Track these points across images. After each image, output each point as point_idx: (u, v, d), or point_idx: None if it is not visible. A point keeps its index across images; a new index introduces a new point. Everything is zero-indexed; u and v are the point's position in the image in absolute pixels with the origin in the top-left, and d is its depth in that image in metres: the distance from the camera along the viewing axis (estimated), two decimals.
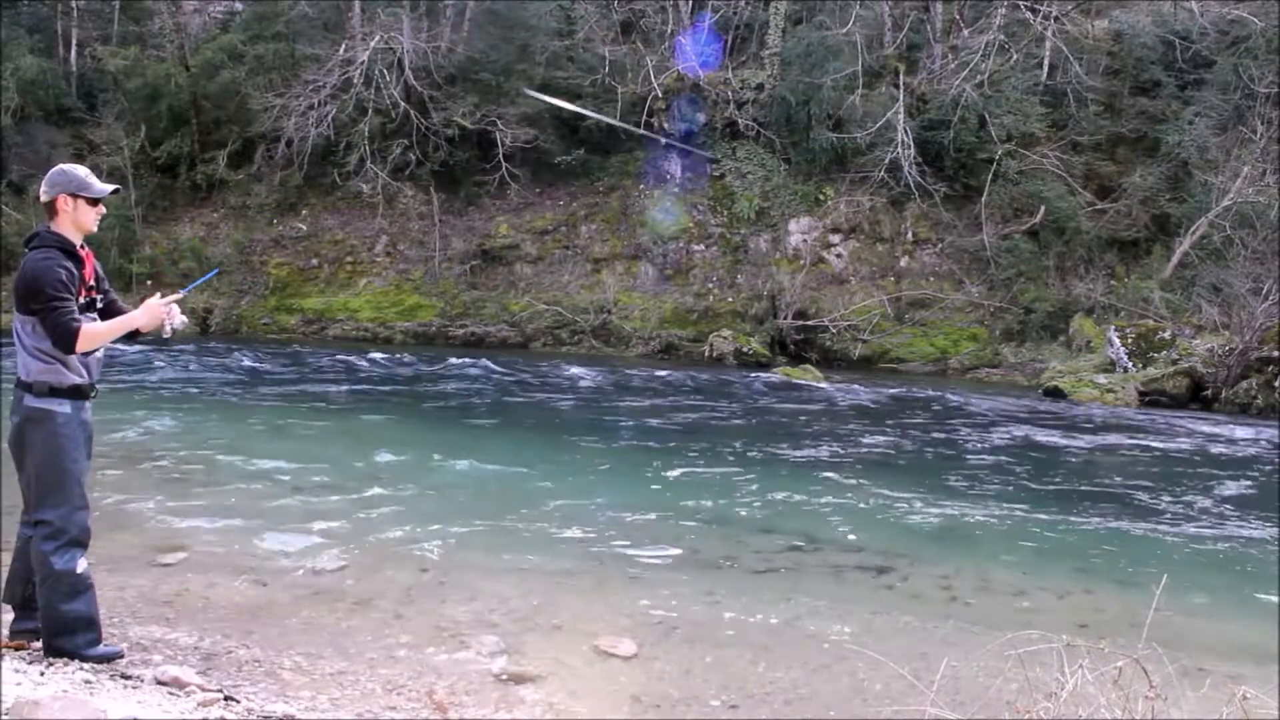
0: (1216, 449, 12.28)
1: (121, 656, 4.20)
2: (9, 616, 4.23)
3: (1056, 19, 22.52)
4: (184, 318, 4.15)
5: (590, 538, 6.95)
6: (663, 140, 23.75)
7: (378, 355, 19.17)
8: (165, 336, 4.13)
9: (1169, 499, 9.37)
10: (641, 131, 22.82)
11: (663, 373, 18.05)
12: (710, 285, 22.64)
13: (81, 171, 4.12)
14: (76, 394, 4.03)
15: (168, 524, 6.73)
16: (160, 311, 4.03)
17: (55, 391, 3.98)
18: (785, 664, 4.83)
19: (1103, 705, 3.19)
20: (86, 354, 4.07)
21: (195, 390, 13.84)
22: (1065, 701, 3.23)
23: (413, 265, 23.61)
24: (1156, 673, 3.26)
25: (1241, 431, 13.66)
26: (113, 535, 6.11)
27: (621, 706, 4.27)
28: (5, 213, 22.20)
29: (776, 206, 23.09)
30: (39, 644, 4.07)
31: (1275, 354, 16.00)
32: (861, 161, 22.30)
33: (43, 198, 4.06)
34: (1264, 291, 16.86)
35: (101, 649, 4.11)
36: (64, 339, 3.87)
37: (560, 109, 22.32)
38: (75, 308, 3.92)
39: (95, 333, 3.96)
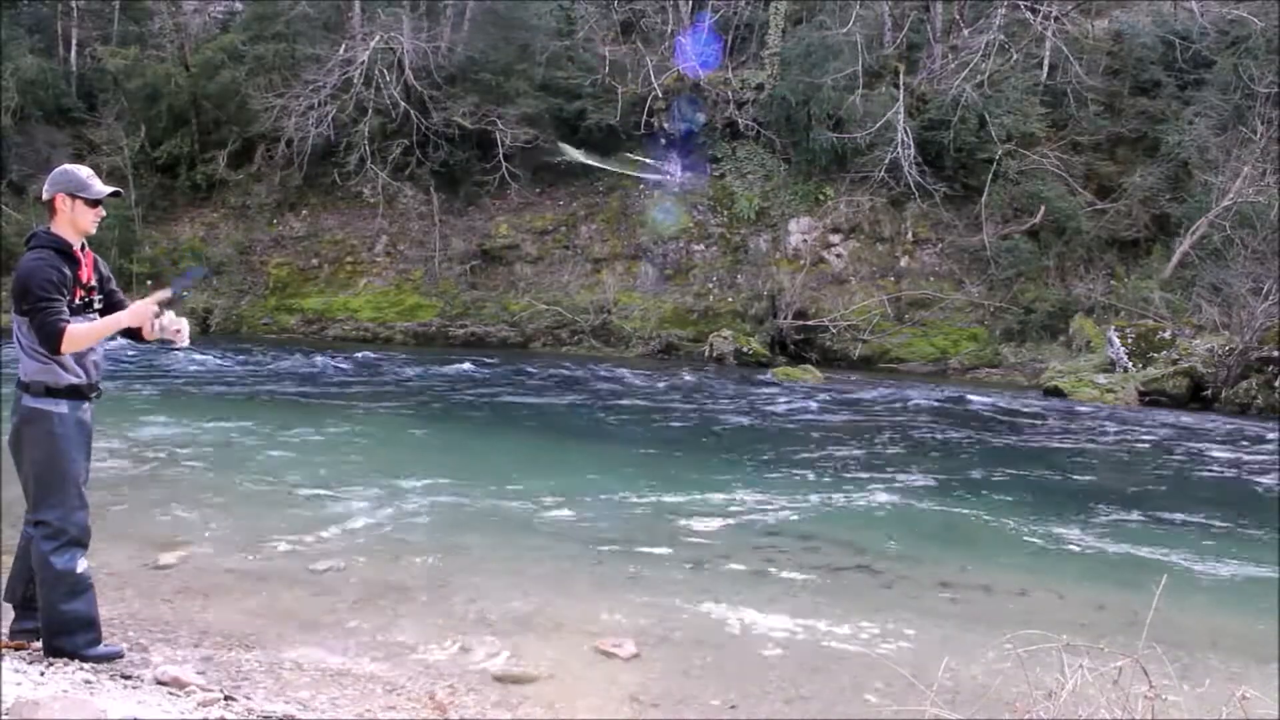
0: (1216, 449, 12.27)
1: (121, 656, 4.20)
2: (9, 616, 4.23)
3: (1056, 19, 22.50)
4: (184, 323, 4.12)
5: (590, 538, 6.95)
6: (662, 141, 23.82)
7: (375, 355, 19.19)
8: (154, 336, 4.09)
9: (1169, 499, 9.36)
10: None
11: (662, 373, 18.05)
12: (710, 285, 22.63)
13: (83, 173, 4.11)
14: (74, 394, 4.02)
15: (168, 524, 6.74)
16: (147, 311, 4.01)
17: (52, 392, 3.98)
18: (785, 664, 4.82)
19: (1103, 705, 3.20)
20: (91, 355, 4.07)
21: (194, 390, 13.84)
22: (1065, 701, 3.23)
23: (413, 265, 23.61)
24: (1156, 673, 3.26)
25: (1241, 431, 13.65)
26: (113, 535, 6.11)
27: (621, 707, 4.27)
28: (5, 213, 22.20)
29: (776, 206, 23.08)
30: (39, 644, 4.08)
31: (1275, 354, 15.99)
32: (861, 161, 22.28)
33: (43, 196, 4.07)
34: (1264, 291, 16.84)
35: (101, 649, 4.11)
36: (49, 339, 3.87)
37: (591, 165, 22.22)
38: (63, 309, 3.90)
39: (80, 334, 3.93)
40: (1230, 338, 16.86)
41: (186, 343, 4.19)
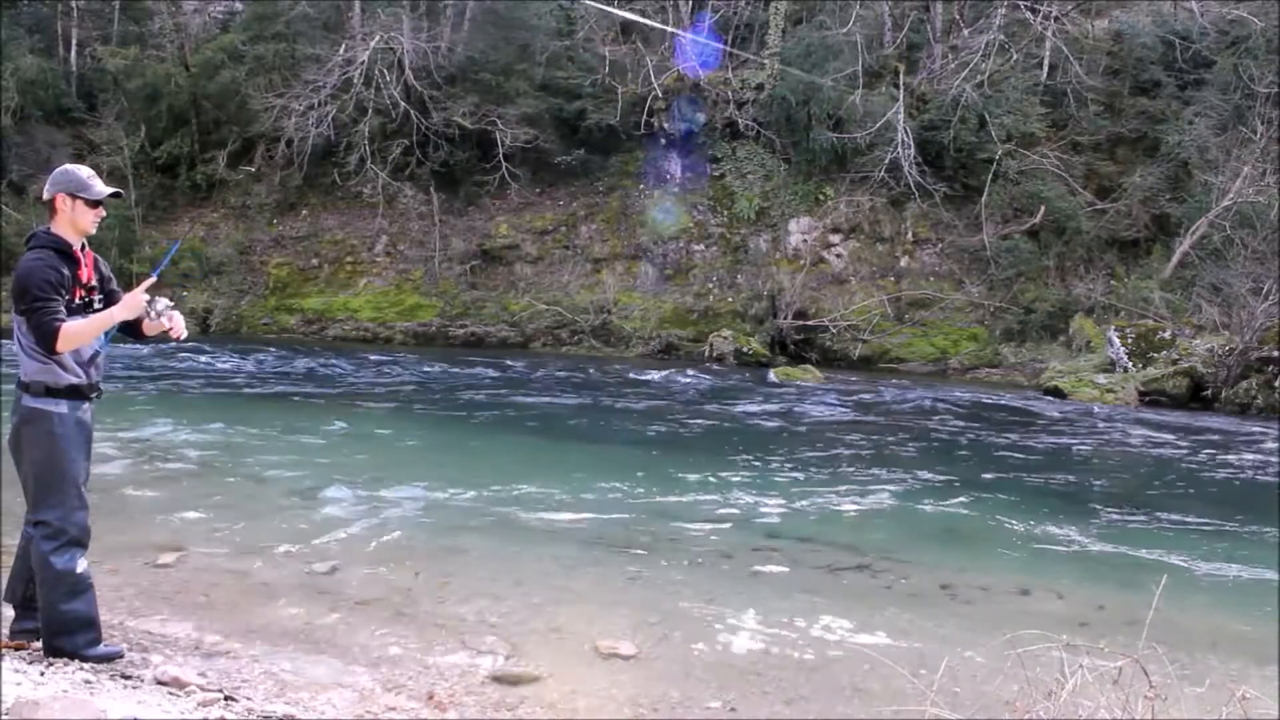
0: (1216, 449, 12.27)
1: (121, 656, 4.20)
2: (9, 616, 4.23)
3: (1056, 19, 22.51)
4: (167, 303, 4.12)
5: (590, 538, 6.95)
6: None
7: (375, 355, 19.18)
8: (152, 318, 4.07)
9: (1169, 499, 9.37)
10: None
11: (662, 373, 18.04)
12: (710, 285, 22.64)
13: (84, 173, 4.11)
14: (74, 394, 4.02)
15: (168, 523, 6.74)
16: (138, 300, 4.01)
17: (51, 392, 3.97)
18: (785, 664, 4.82)
19: (1103, 705, 3.19)
20: (89, 355, 4.06)
21: (194, 390, 13.84)
22: (1065, 701, 3.23)
23: (413, 265, 23.62)
24: (1156, 673, 3.26)
25: (1241, 431, 13.65)
26: (113, 535, 6.10)
27: (621, 707, 4.27)
28: (5, 213, 22.20)
29: (776, 206, 23.08)
30: (39, 644, 4.07)
31: (1275, 354, 15.99)
32: (861, 161, 22.29)
33: (44, 196, 4.07)
34: (1264, 291, 16.85)
35: (101, 649, 4.11)
36: (45, 339, 3.87)
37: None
38: (60, 308, 3.90)
39: (75, 332, 3.92)
40: (1230, 338, 16.86)
41: (184, 334, 4.19)
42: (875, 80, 23.25)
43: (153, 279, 4.09)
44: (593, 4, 19.86)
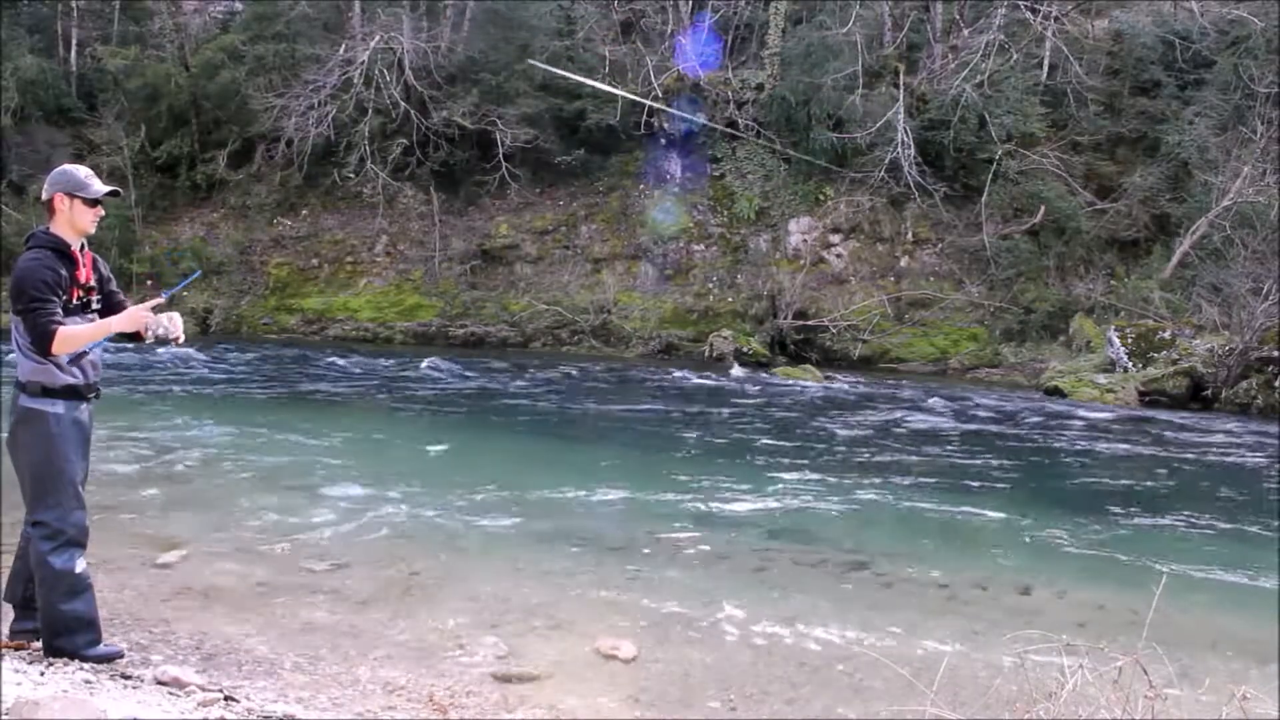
0: (1216, 449, 12.27)
1: (121, 656, 4.20)
2: (10, 616, 4.23)
3: (1056, 19, 22.50)
4: (176, 317, 4.12)
5: (590, 538, 6.95)
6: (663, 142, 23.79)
7: (374, 356, 19.17)
8: (149, 342, 4.10)
9: (1169, 499, 9.37)
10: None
11: (662, 373, 18.04)
12: (710, 285, 22.63)
13: (82, 172, 4.11)
14: (71, 394, 4.01)
15: (167, 524, 6.74)
16: (141, 317, 4.01)
17: (48, 392, 3.97)
18: (785, 664, 4.83)
19: (1103, 705, 3.19)
20: (78, 355, 4.06)
21: (195, 390, 13.84)
22: (1065, 701, 3.23)
23: (413, 265, 23.61)
24: (1156, 673, 3.26)
25: (1241, 431, 13.65)
26: (112, 535, 6.11)
27: (621, 708, 4.27)
28: (5, 213, 22.20)
29: (776, 206, 23.08)
30: (39, 644, 4.07)
31: (1275, 354, 15.98)
32: (861, 161, 22.29)
33: (43, 196, 4.07)
34: (1264, 291, 16.84)
35: (101, 649, 4.11)
36: (40, 340, 3.87)
37: (567, 78, 21.16)
38: (57, 309, 3.89)
39: (72, 335, 3.92)
40: (1230, 338, 16.85)
41: (181, 337, 4.18)
42: (875, 80, 23.24)
43: (161, 300, 4.11)
44: (552, 69, 19.89)
